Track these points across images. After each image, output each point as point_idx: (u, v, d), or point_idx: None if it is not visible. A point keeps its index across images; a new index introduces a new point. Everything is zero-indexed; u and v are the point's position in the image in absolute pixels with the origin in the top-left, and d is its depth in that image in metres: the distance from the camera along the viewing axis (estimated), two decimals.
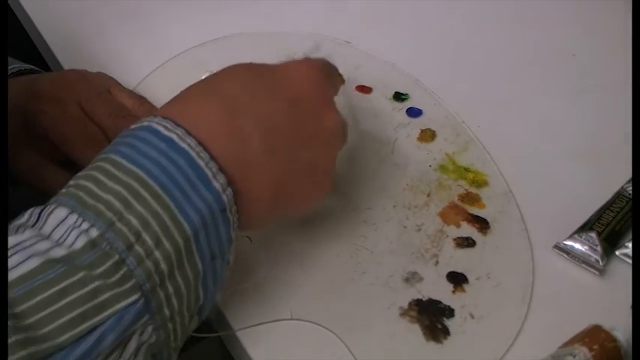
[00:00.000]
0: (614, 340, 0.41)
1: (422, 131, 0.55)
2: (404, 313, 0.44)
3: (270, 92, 0.40)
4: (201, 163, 0.35)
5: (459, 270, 0.46)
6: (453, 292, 0.45)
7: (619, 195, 0.51)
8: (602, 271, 0.47)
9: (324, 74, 0.43)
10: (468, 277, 0.46)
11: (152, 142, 0.35)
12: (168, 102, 0.39)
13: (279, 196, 0.39)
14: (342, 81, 0.50)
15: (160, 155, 0.34)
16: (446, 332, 0.43)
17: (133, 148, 0.35)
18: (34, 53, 0.63)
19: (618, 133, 0.56)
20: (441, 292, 0.45)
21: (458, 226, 0.49)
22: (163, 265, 0.33)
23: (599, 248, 0.47)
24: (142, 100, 0.52)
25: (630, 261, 0.47)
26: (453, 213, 0.50)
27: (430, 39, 0.65)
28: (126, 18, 0.64)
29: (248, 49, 0.62)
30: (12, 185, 0.45)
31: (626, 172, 0.52)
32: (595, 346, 0.40)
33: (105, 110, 0.49)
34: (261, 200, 0.39)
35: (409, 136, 0.55)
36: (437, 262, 0.47)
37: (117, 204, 0.33)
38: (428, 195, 0.51)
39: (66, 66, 0.58)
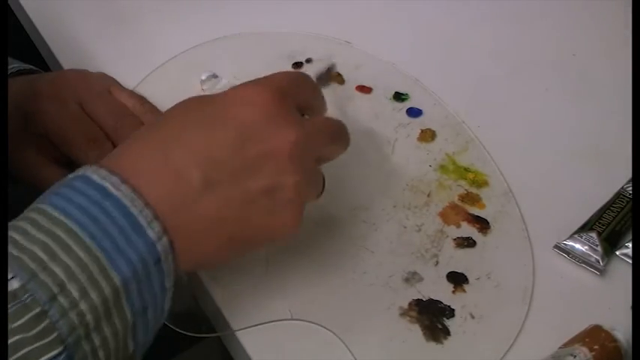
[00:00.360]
0: (614, 340, 0.41)
1: (422, 131, 0.55)
2: (404, 313, 0.44)
3: (210, 124, 0.37)
4: (135, 212, 0.34)
5: (459, 270, 0.46)
6: (453, 292, 0.45)
7: (619, 195, 0.51)
8: (602, 271, 0.47)
9: (276, 92, 0.39)
10: (468, 277, 0.46)
11: (84, 190, 0.34)
12: (112, 153, 0.38)
13: (228, 234, 0.37)
14: (342, 81, 0.49)
15: (91, 204, 0.33)
16: (446, 332, 0.43)
17: (63, 197, 0.34)
18: (34, 53, 0.63)
19: (618, 133, 0.56)
20: (441, 292, 0.45)
21: (458, 226, 0.49)
22: (89, 317, 0.32)
23: (599, 248, 0.47)
24: (142, 100, 0.52)
25: (630, 261, 0.47)
26: (453, 213, 0.50)
27: (430, 39, 0.65)
28: (126, 18, 0.64)
29: (247, 49, 0.62)
30: (12, 184, 0.45)
31: (626, 172, 0.52)
32: (595, 346, 0.40)
33: (105, 110, 0.49)
34: (206, 242, 0.37)
35: (409, 136, 0.55)
36: (437, 262, 0.47)
37: (41, 255, 0.32)
38: (428, 195, 0.51)
39: (66, 66, 0.58)
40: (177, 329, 0.39)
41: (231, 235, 0.37)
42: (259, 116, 0.38)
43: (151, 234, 0.34)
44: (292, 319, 0.43)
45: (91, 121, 0.49)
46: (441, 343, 0.43)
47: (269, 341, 0.42)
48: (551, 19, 0.68)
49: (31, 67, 0.54)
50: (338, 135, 0.43)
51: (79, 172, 0.35)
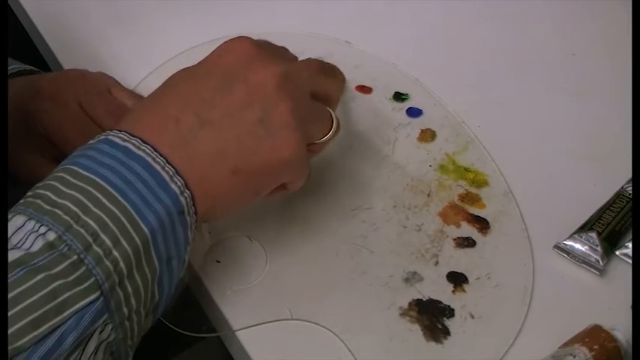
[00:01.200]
0: (614, 340, 0.41)
1: (422, 131, 0.55)
2: (404, 313, 0.44)
3: (197, 75, 0.40)
4: (158, 168, 0.36)
5: (459, 270, 0.46)
6: (453, 292, 0.45)
7: (619, 195, 0.51)
8: (602, 271, 0.47)
9: (254, 41, 0.42)
10: (468, 277, 0.46)
11: (109, 152, 0.36)
12: (122, 120, 0.40)
13: (233, 166, 0.39)
14: (343, 79, 0.50)
15: (117, 163, 0.35)
16: (446, 332, 0.43)
17: (90, 158, 0.36)
18: (34, 53, 0.63)
19: (618, 133, 0.56)
20: (441, 292, 0.45)
21: (458, 226, 0.49)
22: (122, 265, 0.34)
23: (599, 248, 0.47)
24: (142, 99, 0.52)
25: (630, 261, 0.47)
26: (453, 213, 0.50)
27: (430, 39, 0.65)
28: (126, 18, 0.64)
29: None
30: (11, 185, 0.45)
31: (626, 172, 0.52)
32: (595, 346, 0.40)
33: (105, 109, 0.49)
34: (214, 176, 0.38)
35: (409, 136, 0.55)
36: (437, 262, 0.47)
37: (74, 208, 0.33)
38: (428, 195, 0.51)
39: (66, 66, 0.58)
40: (178, 329, 0.39)
41: (235, 166, 0.38)
42: (241, 59, 0.40)
43: (174, 187, 0.36)
44: (292, 319, 0.43)
45: (90, 121, 0.49)
46: (441, 343, 0.43)
47: (269, 341, 0.42)
48: (551, 19, 0.68)
49: (32, 67, 0.54)
50: (327, 68, 0.45)
51: (101, 136, 0.37)
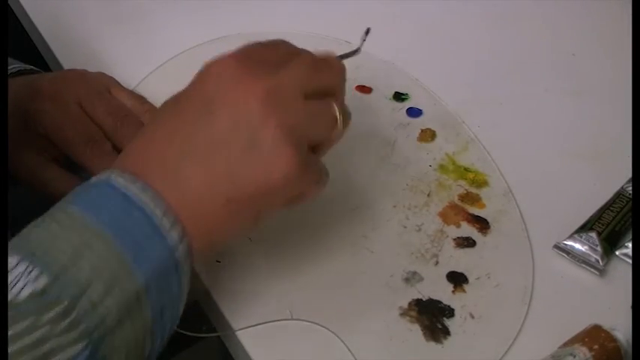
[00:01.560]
0: (614, 340, 0.41)
1: (422, 131, 0.55)
2: (404, 313, 0.44)
3: (180, 104, 0.39)
4: (157, 218, 0.35)
5: (459, 270, 0.46)
6: (453, 292, 0.45)
7: (619, 195, 0.51)
8: (602, 271, 0.47)
9: (234, 57, 0.39)
10: (468, 277, 0.46)
11: (109, 195, 0.35)
12: (125, 153, 0.39)
13: (225, 195, 0.37)
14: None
15: (116, 208, 0.35)
16: (446, 332, 0.43)
17: (89, 200, 0.35)
18: (34, 53, 0.63)
19: (618, 133, 0.56)
20: (441, 292, 0.45)
21: (458, 226, 0.49)
22: (113, 314, 0.33)
23: (599, 248, 0.47)
24: (141, 99, 0.52)
25: (630, 261, 0.47)
26: (453, 213, 0.50)
27: (430, 39, 0.65)
28: (126, 18, 0.64)
29: None
30: (11, 185, 0.45)
31: (626, 172, 0.52)
32: (595, 346, 0.40)
33: (105, 109, 0.49)
34: (206, 209, 0.37)
35: (409, 136, 0.55)
36: (437, 262, 0.47)
37: (69, 252, 0.33)
38: (428, 195, 0.51)
39: (66, 66, 0.58)
40: (178, 329, 0.39)
41: (227, 195, 0.37)
42: (220, 82, 0.38)
43: (174, 236, 0.35)
44: (292, 319, 0.43)
45: (90, 121, 0.49)
46: (441, 343, 0.43)
47: (269, 341, 0.42)
48: (551, 19, 0.68)
49: (32, 67, 0.54)
50: (319, 64, 0.42)
51: (103, 175, 0.36)
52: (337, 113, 0.41)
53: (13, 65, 0.53)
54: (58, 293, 0.32)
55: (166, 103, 0.41)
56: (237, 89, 0.37)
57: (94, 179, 0.37)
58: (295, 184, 0.38)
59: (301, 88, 0.40)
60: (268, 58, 0.40)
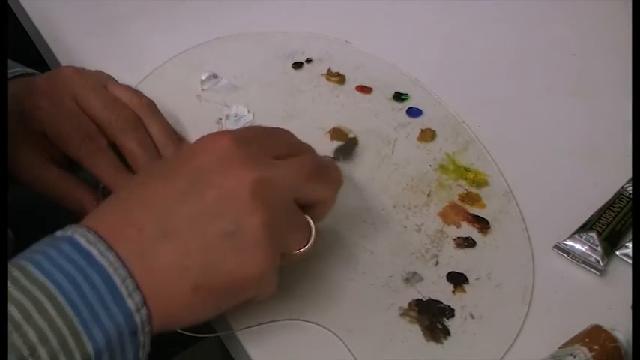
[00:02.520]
0: (614, 340, 0.41)
1: (422, 131, 0.55)
2: (404, 313, 0.44)
3: (168, 176, 0.38)
4: (118, 281, 0.34)
5: (459, 270, 0.46)
6: (453, 292, 0.45)
7: (619, 195, 0.50)
8: (602, 271, 0.47)
9: (234, 138, 0.38)
10: (468, 277, 0.46)
11: (70, 254, 0.34)
12: (95, 211, 0.38)
13: (193, 283, 0.36)
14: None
15: (75, 269, 0.33)
16: (446, 332, 0.43)
17: (48, 257, 0.34)
18: (34, 53, 0.63)
19: (618, 133, 0.56)
20: (441, 292, 0.45)
21: (458, 226, 0.49)
22: None
23: (599, 248, 0.47)
24: (138, 93, 0.51)
25: (630, 261, 0.47)
26: (453, 213, 0.50)
27: (430, 39, 0.65)
28: (126, 18, 0.64)
29: (247, 49, 0.62)
30: (11, 184, 0.45)
31: (626, 172, 0.52)
32: (595, 346, 0.40)
33: (100, 104, 0.48)
34: (170, 292, 0.36)
35: (409, 136, 0.55)
36: (437, 262, 0.47)
37: (17, 315, 0.32)
38: (428, 195, 0.51)
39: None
40: (178, 329, 0.39)
41: (195, 282, 0.36)
42: (214, 161, 0.37)
43: (131, 304, 0.34)
44: (292, 319, 0.43)
45: (85, 117, 0.48)
46: (441, 343, 0.43)
47: (269, 341, 0.42)
48: (551, 19, 0.68)
49: (34, 71, 0.54)
50: (317, 173, 0.40)
51: (67, 232, 0.35)
52: (312, 234, 0.40)
53: (17, 69, 0.53)
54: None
55: (154, 166, 0.39)
56: (229, 173, 0.37)
57: (58, 233, 0.35)
58: (261, 285, 0.38)
59: (293, 193, 0.39)
60: (268, 149, 0.39)
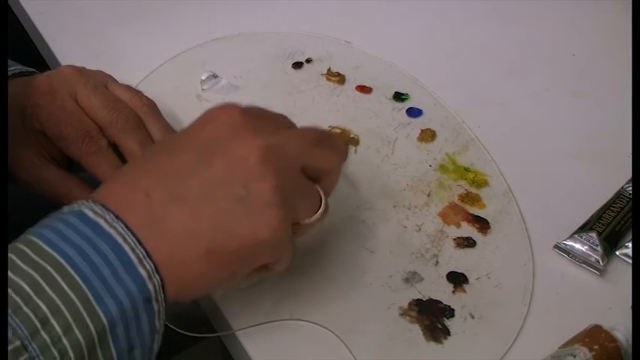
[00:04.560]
0: (614, 340, 0.41)
1: (422, 131, 0.55)
2: (404, 313, 0.44)
3: (177, 146, 0.38)
4: (127, 249, 0.34)
5: (459, 270, 0.46)
6: (453, 292, 0.45)
7: (619, 195, 0.51)
8: (602, 271, 0.47)
9: (241, 110, 0.39)
10: (468, 277, 0.46)
11: (77, 226, 0.34)
12: (102, 186, 0.38)
13: (205, 246, 0.35)
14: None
15: (84, 241, 0.33)
16: (446, 332, 0.43)
17: (55, 231, 0.33)
18: (34, 53, 0.63)
19: (618, 133, 0.56)
20: (441, 292, 0.45)
21: (458, 226, 0.49)
22: (71, 355, 0.31)
23: (599, 248, 0.47)
24: (139, 93, 0.51)
25: (630, 261, 0.47)
26: (453, 213, 0.50)
27: (430, 39, 0.65)
28: (126, 18, 0.64)
29: (247, 49, 0.62)
30: (11, 184, 0.45)
31: (626, 172, 0.52)
32: (595, 347, 0.40)
33: (100, 103, 0.48)
34: (183, 257, 0.35)
35: (409, 136, 0.55)
36: (437, 262, 0.47)
37: (27, 288, 0.31)
38: (428, 195, 0.51)
39: None
40: (177, 329, 0.39)
41: (207, 247, 0.35)
42: (223, 130, 0.38)
43: (142, 272, 0.34)
44: (292, 319, 0.43)
45: (86, 116, 0.48)
46: (441, 343, 0.43)
47: (269, 341, 0.42)
48: (551, 19, 0.68)
49: (34, 70, 0.54)
50: (321, 139, 0.41)
51: (74, 206, 0.35)
52: (323, 203, 0.41)
53: (16, 67, 0.53)
54: (11, 332, 0.30)
55: (159, 143, 0.39)
56: (239, 141, 0.37)
57: (66, 208, 0.35)
58: (277, 250, 0.38)
59: (301, 159, 0.39)
60: (272, 121, 0.40)
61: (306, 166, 0.39)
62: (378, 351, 0.42)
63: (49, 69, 0.61)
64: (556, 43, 0.65)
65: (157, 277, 0.34)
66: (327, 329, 0.43)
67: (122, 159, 0.48)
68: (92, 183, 0.49)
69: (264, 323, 0.43)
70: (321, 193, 0.40)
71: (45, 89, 0.49)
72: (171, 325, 0.41)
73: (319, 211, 0.40)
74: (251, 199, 0.36)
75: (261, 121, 0.39)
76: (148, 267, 0.34)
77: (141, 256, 0.34)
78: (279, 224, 0.36)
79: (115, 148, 0.48)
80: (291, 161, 0.38)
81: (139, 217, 0.35)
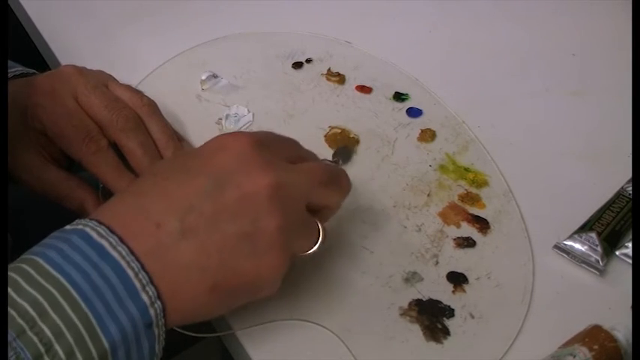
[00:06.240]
0: (614, 340, 0.41)
1: (422, 131, 0.55)
2: (404, 313, 0.44)
3: (188, 173, 0.38)
4: (131, 274, 0.34)
5: (459, 270, 0.46)
6: (453, 292, 0.45)
7: (619, 195, 0.51)
8: (602, 271, 0.47)
9: (253, 139, 0.39)
10: (468, 277, 0.46)
11: (81, 248, 0.34)
12: (106, 205, 0.38)
13: (212, 282, 0.36)
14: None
15: (88, 263, 0.33)
16: (446, 332, 0.43)
17: (59, 252, 0.33)
18: (35, 54, 0.63)
19: (618, 133, 0.56)
20: (441, 292, 0.45)
21: (458, 226, 0.49)
22: None
23: (599, 248, 0.47)
24: (139, 93, 0.51)
25: (630, 261, 0.47)
26: (453, 213, 0.50)
27: (430, 39, 0.65)
28: (126, 18, 0.64)
29: (247, 49, 0.62)
30: (11, 184, 0.45)
31: (626, 172, 0.52)
32: (595, 346, 0.40)
33: (101, 103, 0.48)
34: (189, 291, 0.36)
35: (409, 136, 0.55)
36: (437, 262, 0.47)
37: (31, 311, 0.31)
38: (428, 195, 0.51)
39: None
40: (178, 329, 0.39)
41: (214, 283, 0.36)
42: (236, 161, 0.38)
43: (145, 298, 0.34)
44: (292, 319, 0.43)
45: (86, 116, 0.48)
46: (441, 343, 0.43)
47: (269, 341, 0.42)
48: (551, 19, 0.68)
49: (35, 71, 0.54)
50: (329, 179, 0.41)
51: (79, 225, 0.35)
52: (321, 235, 0.41)
53: (16, 68, 0.53)
54: (14, 356, 0.30)
55: (172, 160, 0.39)
56: (249, 174, 0.37)
57: (68, 227, 0.35)
58: (273, 285, 0.38)
59: (307, 196, 0.40)
60: (283, 153, 0.40)
61: (311, 203, 0.40)
62: (378, 351, 0.42)
63: (49, 69, 0.61)
64: (556, 43, 0.65)
65: (159, 303, 0.34)
66: (327, 329, 0.43)
67: (122, 159, 0.48)
68: (92, 183, 0.49)
69: (264, 323, 0.43)
70: (320, 226, 0.41)
71: (45, 89, 0.49)
72: None
73: (317, 244, 0.41)
74: (257, 238, 0.36)
75: (272, 152, 0.39)
76: (150, 293, 0.34)
77: (144, 281, 0.34)
78: (281, 265, 0.37)
79: (116, 148, 0.48)
80: (297, 198, 0.39)
81: (147, 246, 0.35)
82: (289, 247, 0.38)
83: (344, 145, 0.54)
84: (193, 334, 0.40)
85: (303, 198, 0.39)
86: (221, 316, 0.43)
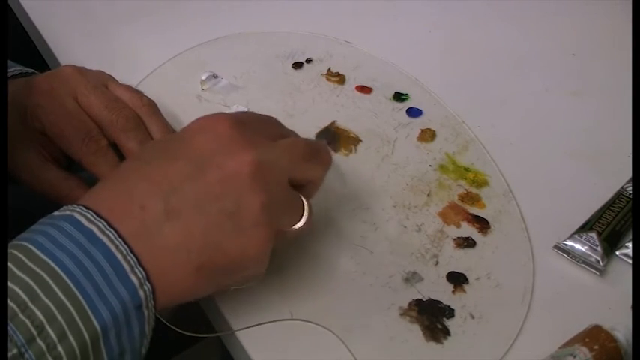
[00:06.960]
0: (614, 340, 0.41)
1: (422, 131, 0.55)
2: (404, 313, 0.44)
3: (170, 155, 0.38)
4: (120, 257, 0.34)
5: (459, 270, 0.46)
6: (453, 292, 0.45)
7: (619, 195, 0.51)
8: (602, 271, 0.47)
9: (233, 120, 0.39)
10: (468, 277, 0.46)
11: (71, 233, 0.34)
12: (92, 190, 0.38)
13: (198, 262, 0.36)
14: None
15: (77, 247, 0.34)
16: (446, 332, 0.43)
17: (49, 237, 0.34)
18: (34, 54, 0.63)
19: (618, 133, 0.56)
20: (441, 292, 0.45)
21: (458, 226, 0.49)
22: (67, 359, 0.32)
23: (599, 248, 0.47)
24: (139, 93, 0.51)
25: (630, 261, 0.47)
26: (453, 213, 0.50)
27: (430, 39, 0.65)
28: (126, 18, 0.64)
29: (247, 49, 0.62)
30: (11, 184, 0.45)
31: (626, 172, 0.52)
32: (595, 346, 0.40)
33: (101, 103, 0.48)
34: (176, 271, 0.36)
35: (409, 136, 0.55)
36: (437, 262, 0.47)
37: (22, 295, 0.32)
38: (428, 195, 0.51)
39: None
40: (177, 329, 0.39)
41: (200, 263, 0.36)
42: (216, 142, 0.38)
43: (134, 279, 0.34)
44: (292, 319, 0.43)
45: (86, 116, 0.48)
46: (441, 343, 0.43)
47: (269, 341, 0.42)
48: (551, 19, 0.68)
49: (34, 71, 0.54)
50: (310, 153, 0.42)
51: (67, 211, 0.35)
52: (306, 211, 0.42)
53: (15, 68, 0.53)
54: (8, 339, 0.31)
55: (152, 148, 0.40)
56: (230, 155, 0.37)
57: (57, 213, 0.36)
58: (259, 263, 0.39)
59: (288, 172, 0.40)
60: (262, 132, 0.41)
61: (293, 178, 0.40)
62: (378, 351, 0.42)
63: (49, 69, 0.61)
64: (556, 43, 0.65)
65: (148, 285, 0.35)
66: (327, 329, 0.43)
67: (122, 159, 0.48)
68: (92, 183, 0.49)
69: (264, 323, 0.43)
70: (304, 201, 0.41)
71: (45, 89, 0.49)
72: (171, 325, 0.41)
73: (303, 218, 0.41)
74: (240, 216, 0.37)
75: (252, 131, 0.40)
76: (139, 274, 0.35)
77: (132, 263, 0.35)
78: (265, 242, 0.38)
79: (115, 148, 0.48)
80: (279, 175, 0.39)
81: (132, 229, 0.35)
82: (274, 224, 0.38)
83: (326, 127, 0.54)
84: (193, 334, 0.40)
85: (284, 174, 0.40)
86: (221, 316, 0.43)
